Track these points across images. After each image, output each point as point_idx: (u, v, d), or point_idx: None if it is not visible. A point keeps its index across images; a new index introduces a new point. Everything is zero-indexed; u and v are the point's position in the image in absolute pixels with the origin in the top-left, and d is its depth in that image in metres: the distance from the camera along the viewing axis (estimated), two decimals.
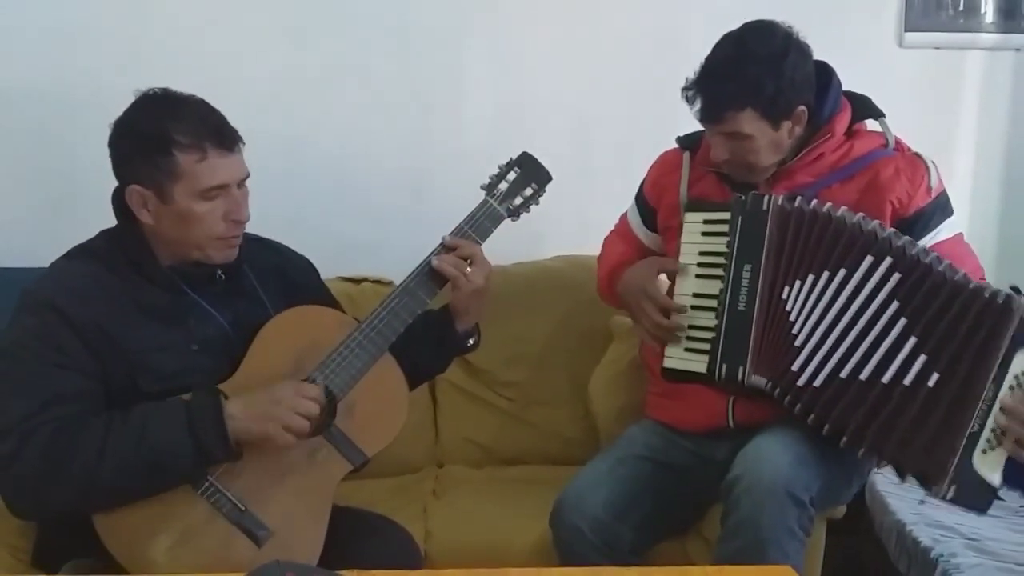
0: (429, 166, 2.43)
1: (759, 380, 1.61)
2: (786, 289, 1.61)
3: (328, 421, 1.49)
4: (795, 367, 1.58)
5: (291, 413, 1.41)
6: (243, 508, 1.43)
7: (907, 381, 1.51)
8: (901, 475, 1.54)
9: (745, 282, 1.63)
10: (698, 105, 1.67)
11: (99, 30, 2.30)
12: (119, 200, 1.50)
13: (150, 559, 1.39)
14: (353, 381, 1.50)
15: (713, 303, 1.66)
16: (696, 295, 1.70)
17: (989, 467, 1.47)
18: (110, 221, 1.53)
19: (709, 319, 1.66)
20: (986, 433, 1.47)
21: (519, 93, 2.44)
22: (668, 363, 1.72)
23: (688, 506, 1.82)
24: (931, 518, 1.74)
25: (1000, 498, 1.55)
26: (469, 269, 1.56)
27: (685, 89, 1.68)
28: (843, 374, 1.56)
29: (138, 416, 1.39)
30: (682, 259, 1.73)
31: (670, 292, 1.77)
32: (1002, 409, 1.47)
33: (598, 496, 1.70)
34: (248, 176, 1.51)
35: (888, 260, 1.54)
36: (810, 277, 1.60)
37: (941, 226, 1.69)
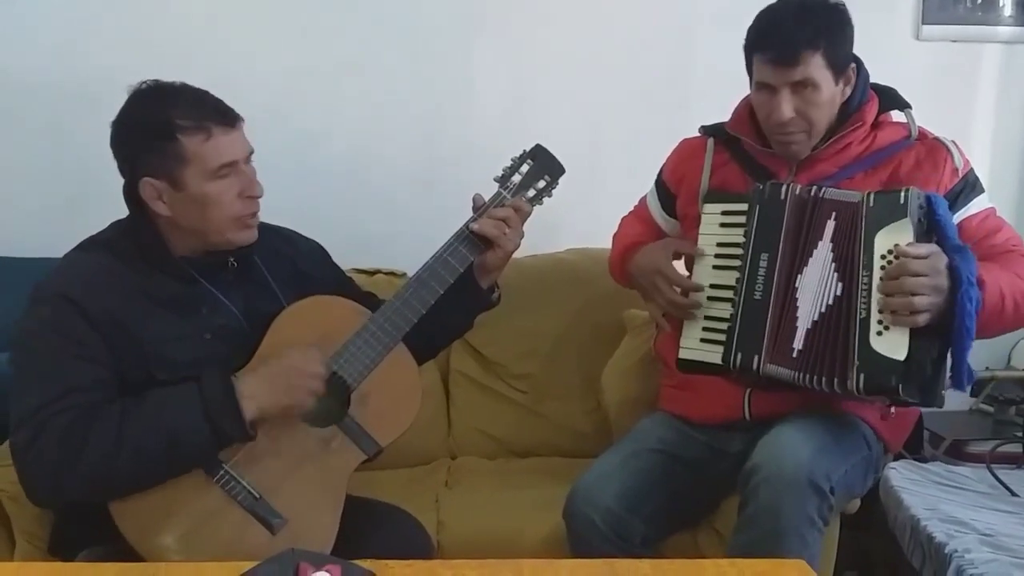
0: (441, 160, 2.44)
1: (774, 369, 1.61)
2: (799, 277, 1.60)
3: (342, 411, 1.49)
4: (794, 343, 1.58)
5: (304, 374, 1.43)
6: (257, 496, 1.44)
7: (831, 301, 1.55)
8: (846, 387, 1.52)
9: (761, 271, 1.63)
10: (768, 55, 1.64)
11: (113, 27, 2.32)
12: (131, 192, 1.50)
13: (165, 546, 1.40)
14: (367, 371, 1.50)
15: (730, 294, 1.66)
16: (713, 286, 1.70)
17: (890, 347, 1.48)
18: (123, 213, 1.54)
19: (726, 310, 1.66)
20: (875, 315, 1.49)
21: (530, 87, 2.44)
22: (683, 354, 1.72)
23: (701, 499, 1.82)
24: (945, 513, 1.72)
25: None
26: (508, 230, 1.59)
27: (749, 42, 1.67)
28: (809, 325, 1.57)
29: (152, 401, 1.40)
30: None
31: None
32: (879, 288, 1.49)
33: (610, 488, 1.70)
34: (252, 152, 1.51)
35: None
36: (809, 260, 1.60)
37: (970, 203, 1.68)
